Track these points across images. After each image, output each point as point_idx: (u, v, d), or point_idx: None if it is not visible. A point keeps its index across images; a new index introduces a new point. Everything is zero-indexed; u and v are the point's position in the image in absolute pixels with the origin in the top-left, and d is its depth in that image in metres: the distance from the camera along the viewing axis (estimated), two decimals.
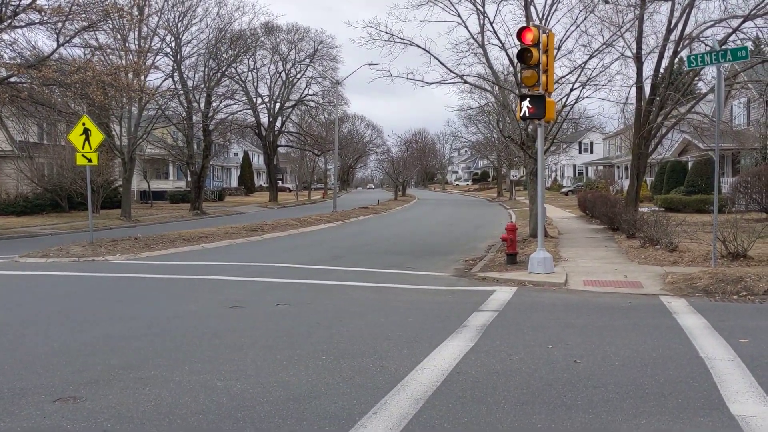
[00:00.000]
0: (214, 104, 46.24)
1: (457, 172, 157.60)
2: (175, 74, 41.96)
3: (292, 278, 13.24)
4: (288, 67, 62.95)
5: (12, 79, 26.12)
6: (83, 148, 18.36)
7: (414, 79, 20.61)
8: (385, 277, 13.51)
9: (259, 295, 11.21)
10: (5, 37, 25.77)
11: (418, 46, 20.70)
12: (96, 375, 6.25)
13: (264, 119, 63.42)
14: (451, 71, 20.69)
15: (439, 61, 20.82)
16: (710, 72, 23.54)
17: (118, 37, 33.16)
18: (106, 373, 6.30)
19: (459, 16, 20.90)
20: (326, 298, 10.91)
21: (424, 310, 9.78)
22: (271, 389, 5.81)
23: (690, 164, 37.62)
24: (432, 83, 21.29)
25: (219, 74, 45.58)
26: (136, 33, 35.50)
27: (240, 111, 55.17)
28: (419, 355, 6.90)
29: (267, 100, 63.59)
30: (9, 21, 24.82)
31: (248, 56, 53.98)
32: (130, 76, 29.31)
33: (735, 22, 19.09)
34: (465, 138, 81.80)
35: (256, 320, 9.05)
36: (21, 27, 25.88)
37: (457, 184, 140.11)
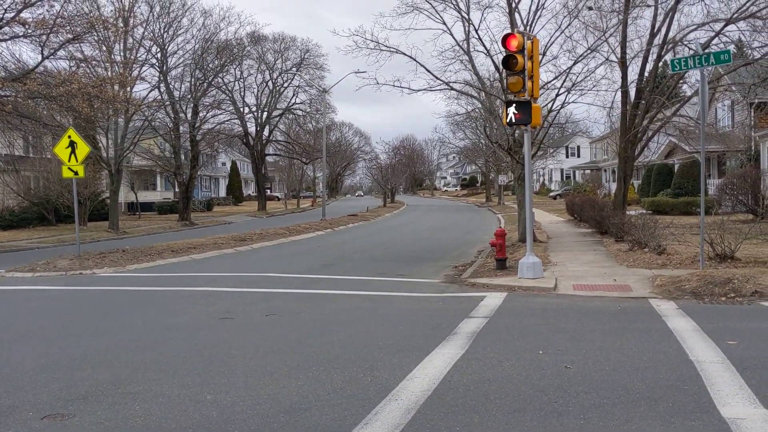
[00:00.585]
0: (201, 114, 46.13)
1: (445, 177, 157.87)
2: (162, 85, 41.85)
3: (282, 288, 13.19)
4: (275, 76, 63.02)
5: None
6: (69, 160, 18.24)
7: (401, 87, 20.70)
8: (375, 284, 13.50)
9: (249, 306, 11.15)
10: None
11: (404, 54, 20.79)
12: (84, 390, 6.19)
13: (251, 128, 63.40)
14: (437, 78, 20.78)
15: (425, 68, 20.92)
16: (694, 75, 23.76)
17: (104, 48, 32.99)
18: (94, 389, 6.24)
19: (444, 23, 21.03)
20: (316, 308, 10.87)
21: (415, 318, 9.77)
22: (262, 402, 5.77)
23: (676, 167, 37.88)
24: (419, 90, 21.22)
25: (206, 84, 45.48)
26: (122, 44, 35.40)
27: (227, 121, 55.10)
28: (410, 364, 6.88)
29: (254, 109, 63.58)
30: None
31: (235, 66, 53.95)
32: (116, 87, 29.17)
33: (717, 26, 19.29)
34: (453, 144, 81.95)
35: (246, 331, 9.00)
36: (5, 40, 25.74)
37: (446, 190, 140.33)
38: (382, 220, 46.08)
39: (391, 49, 20.72)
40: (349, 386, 6.18)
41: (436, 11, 20.75)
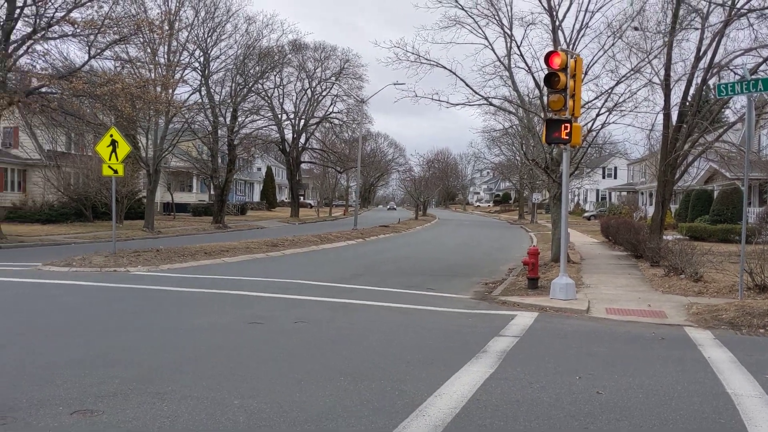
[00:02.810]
0: (239, 119, 46.70)
1: (478, 193, 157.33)
2: (203, 88, 42.49)
3: (311, 295, 13.20)
4: (314, 84, 63.56)
5: (43, 90, 26.62)
6: (110, 159, 18.55)
7: (439, 100, 20.64)
8: (404, 297, 13.43)
9: (277, 312, 11.17)
10: (38, 48, 26.33)
11: (444, 68, 20.78)
12: (114, 388, 6.24)
13: (288, 135, 64.01)
14: (476, 93, 20.72)
15: (464, 82, 20.87)
16: (739, 101, 23.30)
17: (148, 50, 33.66)
18: (123, 386, 6.28)
19: (486, 38, 20.97)
20: (345, 317, 10.85)
21: (443, 333, 9.68)
22: (288, 409, 5.75)
23: (716, 193, 37.14)
24: (457, 104, 21.21)
25: (246, 90, 46.05)
26: (166, 47, 36.03)
27: (265, 126, 55.77)
28: (438, 380, 6.80)
29: (292, 116, 64.23)
30: (43, 32, 25.34)
31: (275, 73, 54.54)
32: (159, 89, 29.73)
33: (766, 52, 18.89)
34: (488, 159, 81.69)
35: (275, 337, 9.02)
36: (54, 39, 26.42)
37: (479, 205, 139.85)
38: (413, 232, 46.00)
39: (432, 63, 20.73)
40: (377, 399, 6.13)
41: (479, 26, 20.76)
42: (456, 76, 20.73)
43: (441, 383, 6.68)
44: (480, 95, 20.78)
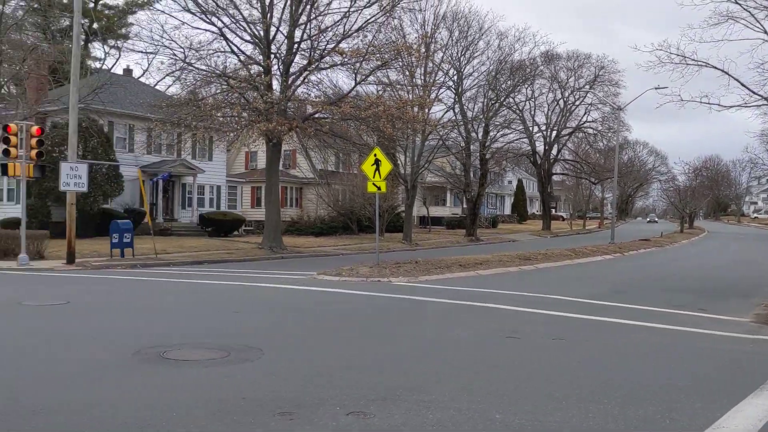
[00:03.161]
0: (491, 133, 47.29)
1: (756, 203, 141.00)
2: (456, 106, 43.81)
3: (567, 312, 12.85)
4: (566, 94, 62.19)
5: (316, 115, 29.56)
6: (374, 177, 19.95)
7: (709, 103, 19.02)
8: (669, 318, 12.50)
9: (533, 327, 11.07)
10: (312, 77, 29.31)
11: (715, 67, 19.11)
12: (383, 393, 6.66)
13: (539, 147, 63.31)
14: (754, 93, 18.72)
15: (739, 82, 19.02)
16: None
17: (407, 73, 35.65)
18: (391, 393, 6.68)
19: (765, 32, 18.85)
20: (604, 336, 10.41)
21: (719, 360, 8.83)
22: (550, 429, 5.67)
23: None
24: (731, 107, 19.31)
25: (497, 104, 46.52)
26: (422, 69, 37.83)
27: (516, 140, 55.73)
28: (715, 411, 6.22)
29: (543, 128, 63.42)
30: (316, 63, 28.17)
31: (526, 86, 54.33)
32: (416, 109, 31.32)
33: None
34: (767, 165, 72.76)
35: (532, 353, 8.95)
36: (325, 68, 29.21)
37: (756, 217, 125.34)
38: (678, 247, 42.64)
39: (699, 63, 19.17)
40: (645, 425, 5.79)
41: (756, 20, 18.72)
42: (729, 75, 18.97)
43: (719, 415, 6.10)
44: (759, 95, 18.75)
